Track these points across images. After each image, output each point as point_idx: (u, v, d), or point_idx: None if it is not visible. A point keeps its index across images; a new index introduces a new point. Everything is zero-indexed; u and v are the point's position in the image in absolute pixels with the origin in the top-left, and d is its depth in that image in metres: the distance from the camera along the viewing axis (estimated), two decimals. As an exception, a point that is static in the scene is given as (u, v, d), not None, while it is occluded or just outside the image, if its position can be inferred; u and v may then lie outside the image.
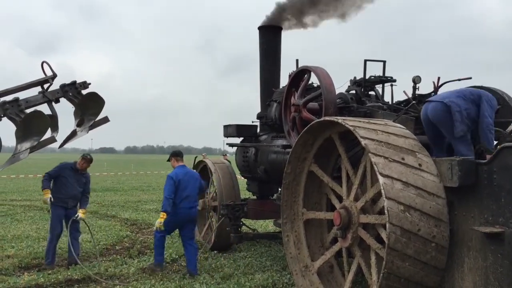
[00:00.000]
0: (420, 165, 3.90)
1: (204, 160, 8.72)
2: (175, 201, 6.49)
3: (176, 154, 6.97)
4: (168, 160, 7.06)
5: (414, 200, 3.70)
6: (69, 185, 7.07)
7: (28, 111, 6.31)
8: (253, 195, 8.93)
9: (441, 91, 5.96)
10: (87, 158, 7.30)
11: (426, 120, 4.63)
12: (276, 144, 7.34)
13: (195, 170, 7.59)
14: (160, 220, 6.44)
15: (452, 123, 4.36)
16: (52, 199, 6.88)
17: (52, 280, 6.15)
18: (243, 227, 8.00)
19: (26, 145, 6.29)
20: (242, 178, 9.14)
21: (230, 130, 8.60)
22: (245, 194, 9.47)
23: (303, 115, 5.88)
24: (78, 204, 7.19)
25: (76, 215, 7.04)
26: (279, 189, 7.26)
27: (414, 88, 5.95)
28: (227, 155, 19.85)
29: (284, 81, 8.17)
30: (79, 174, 7.22)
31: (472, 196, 3.77)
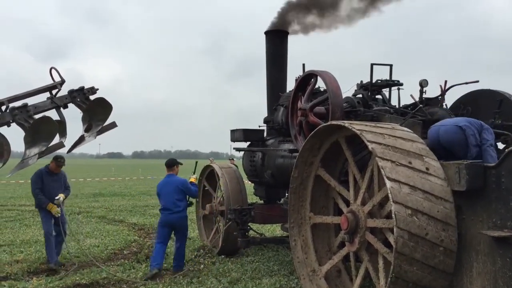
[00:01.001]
0: (427, 169, 3.89)
1: (211, 164, 8.74)
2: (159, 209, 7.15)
3: (165, 164, 7.37)
4: None
5: (421, 204, 3.68)
6: (50, 188, 7.20)
7: (36, 116, 6.38)
8: (260, 200, 8.93)
9: (448, 94, 5.95)
10: (60, 163, 7.35)
11: (435, 142, 4.63)
12: (283, 148, 7.34)
13: (195, 176, 7.73)
14: None
15: (466, 145, 4.46)
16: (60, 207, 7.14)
17: (61, 285, 6.18)
18: (250, 232, 8.00)
19: (35, 150, 6.35)
20: (249, 182, 9.14)
21: (237, 135, 8.61)
22: (252, 198, 9.47)
23: (310, 119, 5.88)
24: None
25: (58, 197, 7.14)
26: (286, 194, 7.26)
27: (421, 92, 5.94)
28: (234, 159, 19.88)
29: (290, 85, 8.19)
30: (55, 175, 7.35)
31: (480, 200, 3.75)
